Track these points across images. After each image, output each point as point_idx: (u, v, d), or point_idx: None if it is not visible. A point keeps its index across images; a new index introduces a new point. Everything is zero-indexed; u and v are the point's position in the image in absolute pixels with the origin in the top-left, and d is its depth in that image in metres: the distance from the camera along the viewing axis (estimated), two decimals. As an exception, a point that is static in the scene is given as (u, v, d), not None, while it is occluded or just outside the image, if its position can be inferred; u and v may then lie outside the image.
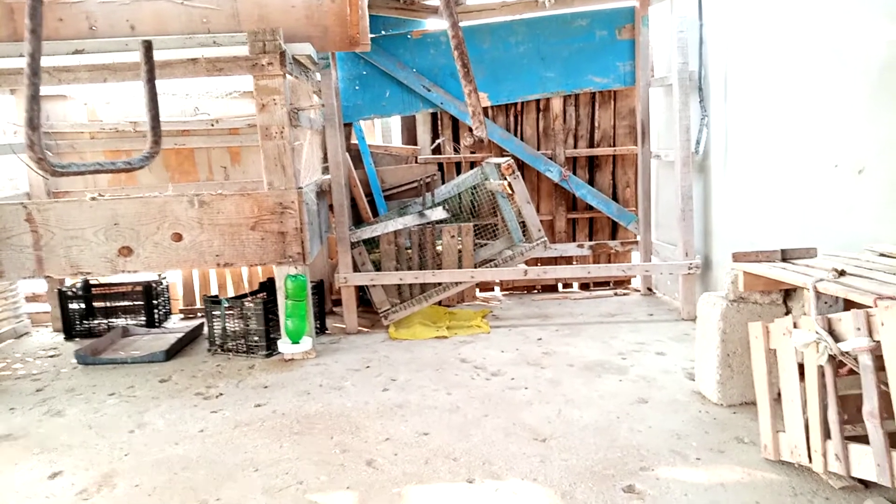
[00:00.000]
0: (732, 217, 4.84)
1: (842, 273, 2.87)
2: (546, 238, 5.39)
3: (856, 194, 3.60)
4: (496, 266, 5.40)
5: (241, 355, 4.74)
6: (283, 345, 4.56)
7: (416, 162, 6.08)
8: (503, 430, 3.34)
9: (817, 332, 2.56)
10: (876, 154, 3.45)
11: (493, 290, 6.44)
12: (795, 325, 2.73)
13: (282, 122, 4.35)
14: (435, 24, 5.90)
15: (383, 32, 5.75)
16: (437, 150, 6.11)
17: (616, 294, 6.15)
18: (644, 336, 4.78)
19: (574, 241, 6.24)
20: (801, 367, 2.74)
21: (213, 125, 5.70)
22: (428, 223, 5.45)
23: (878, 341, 2.34)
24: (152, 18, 4.59)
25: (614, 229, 6.26)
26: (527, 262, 5.56)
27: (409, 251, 5.47)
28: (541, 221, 5.63)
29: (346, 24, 4.70)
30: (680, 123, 5.07)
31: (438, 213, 5.45)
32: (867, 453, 2.40)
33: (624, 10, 5.77)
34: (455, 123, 6.07)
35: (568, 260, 6.23)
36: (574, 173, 6.10)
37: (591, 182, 6.17)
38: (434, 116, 6.10)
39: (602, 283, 6.40)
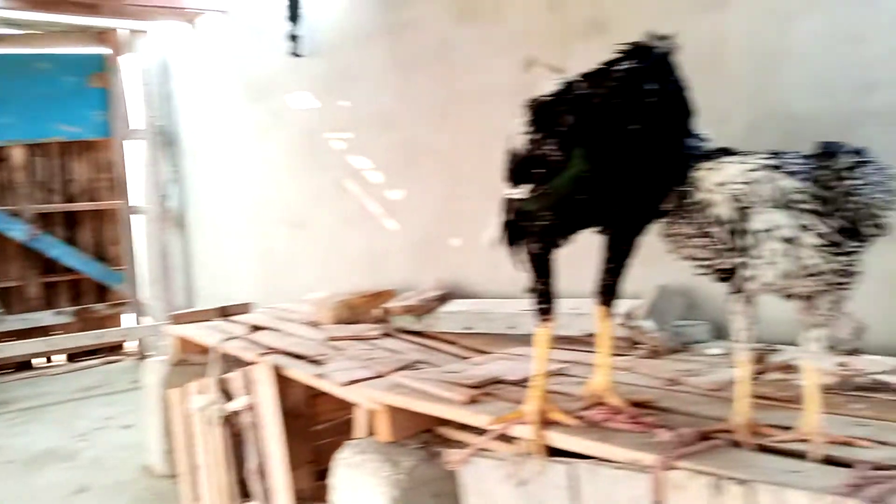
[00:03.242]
0: (211, 271, 4.83)
1: (256, 328, 2.97)
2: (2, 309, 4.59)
3: (300, 249, 3.87)
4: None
5: None
6: None
7: None
8: None
9: (213, 394, 2.56)
10: (313, 208, 3.76)
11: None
12: (201, 389, 2.70)
13: None
14: None
15: None
16: None
17: (109, 363, 5.59)
18: (117, 409, 4.37)
19: (52, 307, 5.48)
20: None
21: None
22: None
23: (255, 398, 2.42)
24: None
25: (104, 291, 5.72)
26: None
27: None
28: (8, 288, 4.79)
29: None
30: (149, 178, 4.89)
31: None
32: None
33: (94, 57, 5.36)
34: None
35: (44, 330, 5.41)
36: (49, 231, 5.38)
37: (73, 240, 5.53)
38: None
39: (92, 352, 5.73)
